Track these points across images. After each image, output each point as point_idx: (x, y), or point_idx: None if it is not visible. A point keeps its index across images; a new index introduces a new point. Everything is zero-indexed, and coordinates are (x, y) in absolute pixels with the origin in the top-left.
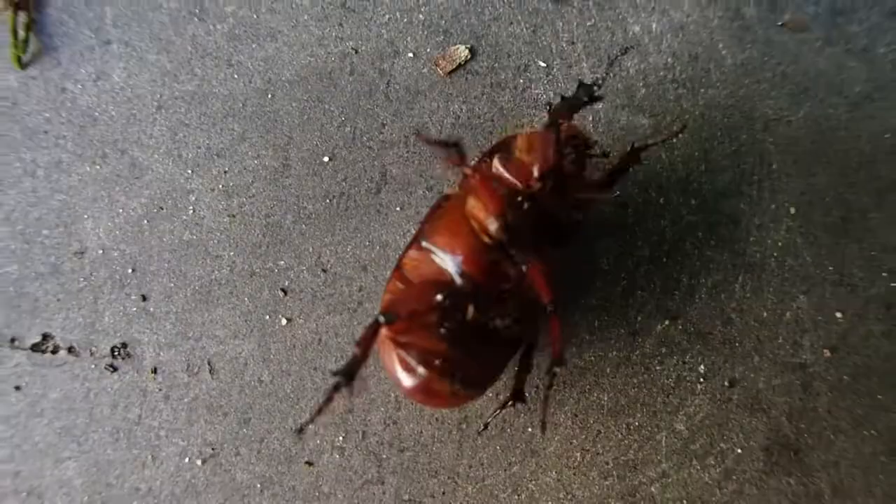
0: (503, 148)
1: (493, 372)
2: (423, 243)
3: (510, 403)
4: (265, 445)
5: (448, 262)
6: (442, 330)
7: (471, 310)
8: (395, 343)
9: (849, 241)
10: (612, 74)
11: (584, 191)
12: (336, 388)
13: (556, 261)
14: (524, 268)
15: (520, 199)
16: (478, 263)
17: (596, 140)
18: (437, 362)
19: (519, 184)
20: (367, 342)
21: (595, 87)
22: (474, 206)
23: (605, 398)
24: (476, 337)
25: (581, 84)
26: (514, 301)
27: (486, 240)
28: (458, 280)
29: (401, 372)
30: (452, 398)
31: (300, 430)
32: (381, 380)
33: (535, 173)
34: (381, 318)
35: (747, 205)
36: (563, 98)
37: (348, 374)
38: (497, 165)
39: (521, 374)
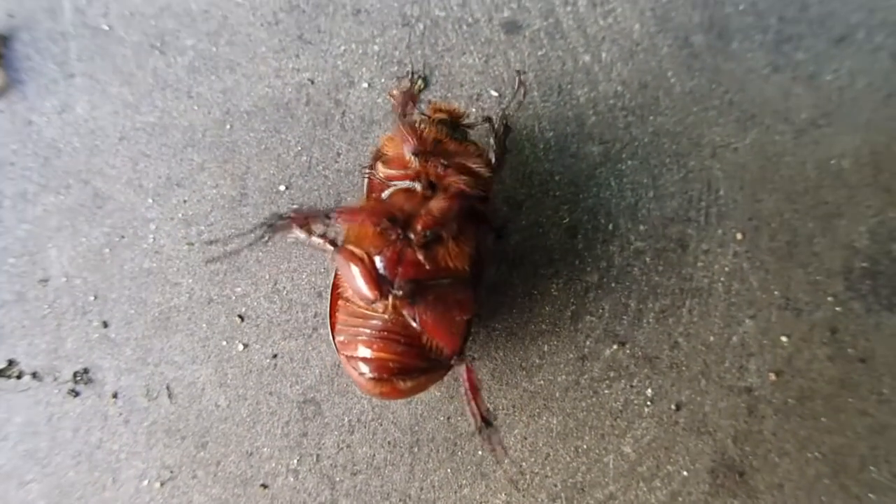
0: (378, 156)
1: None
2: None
3: (481, 432)
4: (221, 468)
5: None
6: (379, 333)
7: (388, 306)
8: (346, 358)
9: (794, 266)
10: (416, 62)
11: (471, 159)
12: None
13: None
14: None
15: (412, 186)
16: (387, 260)
17: (463, 110)
18: (387, 365)
19: (403, 172)
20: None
21: (414, 76)
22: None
23: (554, 421)
24: (409, 331)
25: (410, 74)
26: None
27: (388, 234)
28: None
29: (358, 381)
30: (413, 390)
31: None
32: (335, 404)
33: (408, 156)
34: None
35: (695, 230)
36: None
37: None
38: (381, 170)
39: (473, 397)
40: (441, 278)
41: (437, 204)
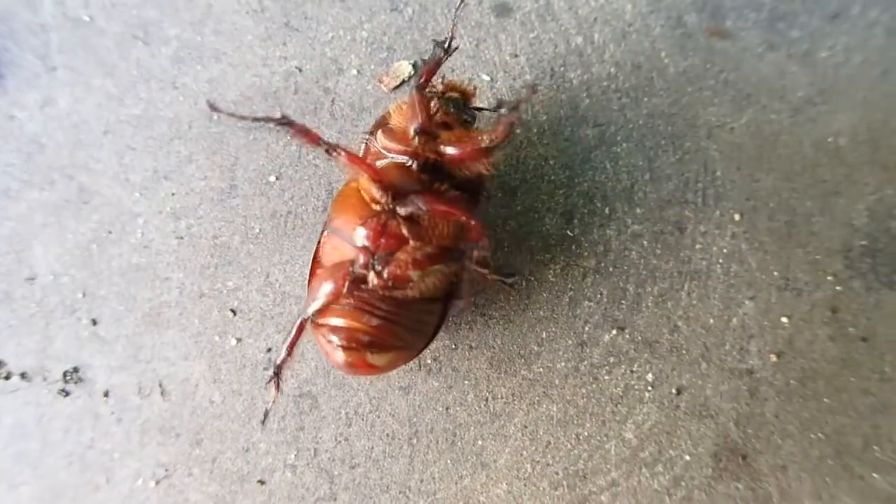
0: (382, 124)
1: (423, 329)
2: (329, 228)
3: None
4: (217, 465)
5: (349, 238)
6: (354, 304)
7: (371, 276)
8: (317, 325)
9: (793, 246)
10: (459, 23)
11: (469, 142)
12: (269, 380)
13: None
14: (423, 209)
15: (408, 163)
16: (371, 231)
17: (475, 92)
18: (358, 337)
19: (403, 148)
20: (293, 341)
21: (447, 41)
22: (362, 179)
23: (554, 409)
24: (392, 302)
25: (435, 42)
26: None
27: (375, 206)
28: (357, 252)
29: (329, 352)
30: (383, 367)
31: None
32: (332, 397)
33: (411, 133)
34: (307, 314)
35: (692, 212)
36: (423, 61)
37: (277, 372)
38: (381, 139)
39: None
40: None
41: (438, 205)
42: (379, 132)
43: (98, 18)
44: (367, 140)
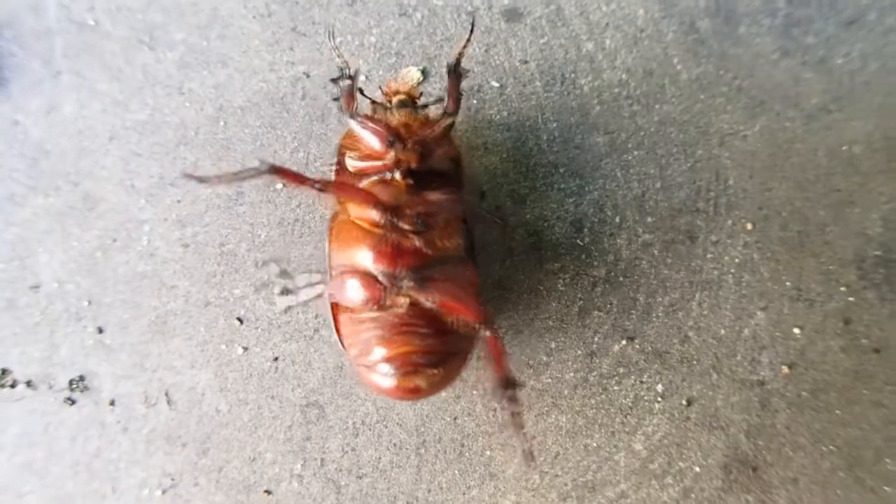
0: (345, 150)
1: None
2: (335, 267)
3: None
4: (224, 475)
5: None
6: (392, 331)
7: (401, 301)
8: (366, 368)
9: (806, 256)
10: (339, 48)
11: (435, 130)
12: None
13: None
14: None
15: (389, 176)
16: (385, 255)
17: (414, 86)
18: (413, 359)
19: (381, 163)
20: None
21: (345, 70)
22: (353, 209)
23: (563, 420)
24: (425, 319)
25: (337, 79)
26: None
27: (378, 230)
28: (380, 279)
29: (384, 388)
30: (444, 380)
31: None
32: (339, 407)
33: (382, 148)
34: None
35: (704, 221)
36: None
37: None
38: (352, 164)
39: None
40: (440, 258)
41: (434, 196)
42: (346, 159)
43: (103, 23)
44: (336, 170)
